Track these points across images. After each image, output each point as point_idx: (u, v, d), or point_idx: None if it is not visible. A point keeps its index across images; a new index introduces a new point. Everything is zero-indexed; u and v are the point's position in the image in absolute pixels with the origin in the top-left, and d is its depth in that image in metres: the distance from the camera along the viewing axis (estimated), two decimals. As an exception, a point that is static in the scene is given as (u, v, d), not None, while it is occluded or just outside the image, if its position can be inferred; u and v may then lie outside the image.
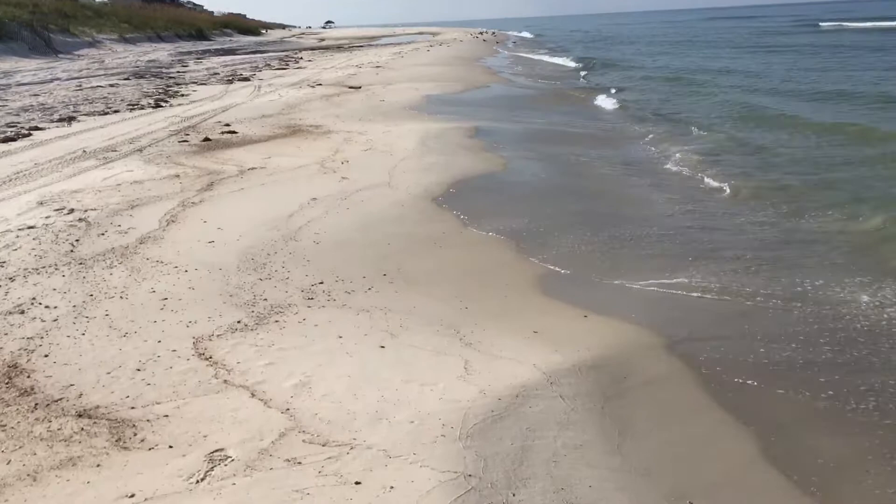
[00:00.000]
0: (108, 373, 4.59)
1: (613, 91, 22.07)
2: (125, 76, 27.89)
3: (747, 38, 52.19)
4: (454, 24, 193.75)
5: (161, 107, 18.90)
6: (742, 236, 7.67)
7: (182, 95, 21.53)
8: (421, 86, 22.43)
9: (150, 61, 36.91)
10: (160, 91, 22.52)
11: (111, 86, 24.10)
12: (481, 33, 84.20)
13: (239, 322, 5.35)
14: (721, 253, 7.10)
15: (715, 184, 9.98)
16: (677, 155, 11.99)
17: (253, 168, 10.71)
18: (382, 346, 4.94)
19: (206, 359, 4.75)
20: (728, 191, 9.59)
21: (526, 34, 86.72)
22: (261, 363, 4.67)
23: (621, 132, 14.93)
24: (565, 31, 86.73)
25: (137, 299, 5.80)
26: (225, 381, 4.43)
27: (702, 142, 13.37)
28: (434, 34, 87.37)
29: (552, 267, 6.73)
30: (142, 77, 27.71)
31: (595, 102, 19.86)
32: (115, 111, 17.92)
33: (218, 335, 5.13)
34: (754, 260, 6.88)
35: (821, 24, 70.93)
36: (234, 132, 14.51)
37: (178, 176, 10.24)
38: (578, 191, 9.79)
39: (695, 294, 6.03)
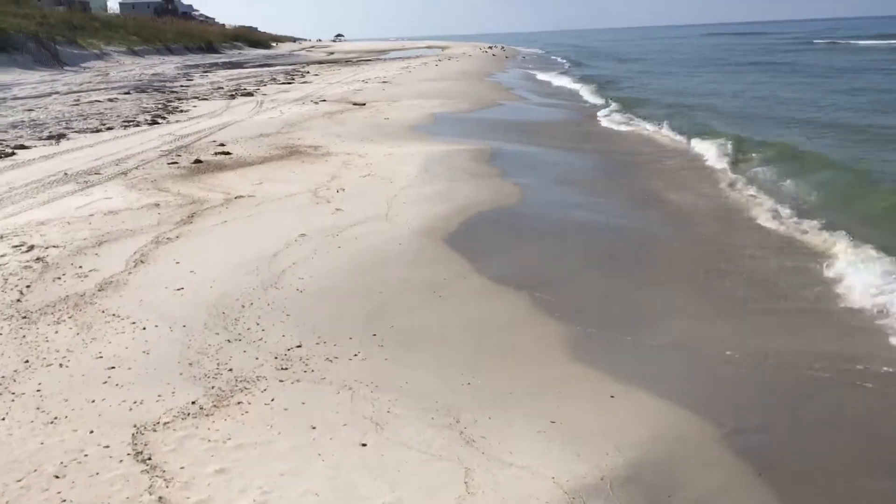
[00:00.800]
0: (19, 480, 3.64)
1: (621, 113, 21.14)
2: (126, 90, 27.11)
3: (746, 56, 51.29)
4: (463, 38, 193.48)
5: (158, 123, 18.04)
6: (776, 286, 6.68)
7: (181, 111, 20.68)
8: (427, 103, 21.53)
9: (154, 74, 36.18)
10: (159, 106, 21.69)
11: (110, 100, 23.29)
12: (490, 48, 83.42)
13: (194, 403, 4.39)
14: (758, 304, 6.11)
15: (742, 210, 8.98)
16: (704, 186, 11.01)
17: (241, 196, 9.77)
18: (364, 444, 3.97)
19: (144, 461, 3.78)
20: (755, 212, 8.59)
21: (536, 49, 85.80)
22: (210, 469, 3.71)
23: (641, 157, 13.96)
24: (574, 47, 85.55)
25: (80, 368, 4.85)
26: (160, 500, 3.46)
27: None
28: (443, 48, 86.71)
29: (572, 326, 5.75)
30: (143, 91, 26.93)
31: (604, 124, 18.89)
32: (109, 128, 17.07)
33: (165, 422, 4.16)
34: (793, 312, 5.89)
35: (815, 41, 70.35)
36: (227, 153, 13.60)
37: (158, 205, 9.31)
38: (601, 228, 8.82)
39: (739, 356, 5.04)
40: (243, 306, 6.00)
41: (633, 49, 78.35)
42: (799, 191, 10.11)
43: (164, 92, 27.02)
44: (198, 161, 12.75)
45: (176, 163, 12.62)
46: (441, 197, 9.59)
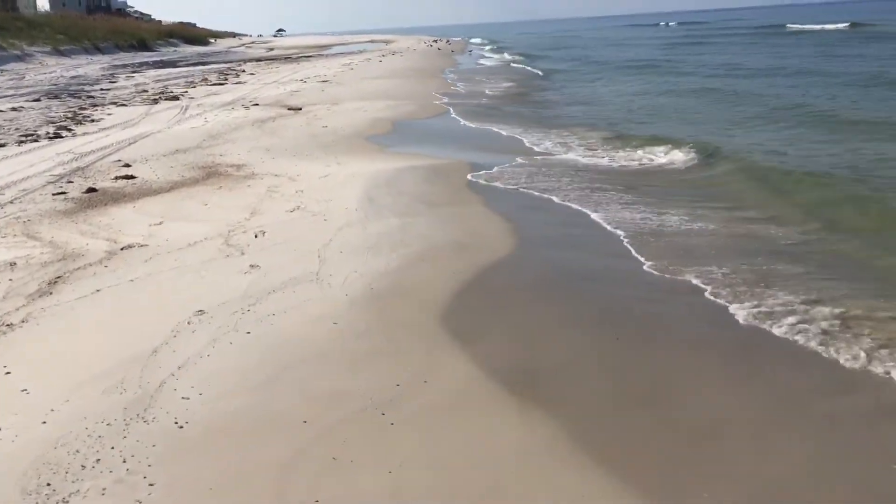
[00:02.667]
0: None
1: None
2: (37, 96, 24.21)
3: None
4: (407, 31, 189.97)
5: (60, 137, 15.46)
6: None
7: (92, 121, 18.05)
8: (371, 106, 19.26)
9: (74, 77, 33.08)
10: (69, 115, 19.00)
11: (14, 109, 20.47)
12: (435, 41, 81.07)
13: None
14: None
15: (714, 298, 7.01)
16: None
17: (130, 246, 7.45)
18: None
19: None
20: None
21: (480, 41, 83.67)
22: None
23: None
24: (524, 40, 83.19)
25: None
26: None
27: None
28: (386, 42, 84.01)
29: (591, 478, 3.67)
30: (56, 97, 24.06)
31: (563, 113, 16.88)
32: (1, 145, 14.45)
33: None
34: None
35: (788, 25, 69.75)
36: (131, 177, 11.20)
37: (13, 264, 6.93)
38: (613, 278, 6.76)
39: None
40: (83, 466, 3.77)
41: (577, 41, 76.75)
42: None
43: (79, 97, 24.19)
44: (91, 189, 10.35)
45: (64, 192, 10.20)
46: (390, 241, 7.40)
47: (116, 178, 11.19)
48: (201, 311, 5.68)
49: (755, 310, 5.62)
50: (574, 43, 68.17)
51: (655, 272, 6.63)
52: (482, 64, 42.15)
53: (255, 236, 7.59)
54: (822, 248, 7.17)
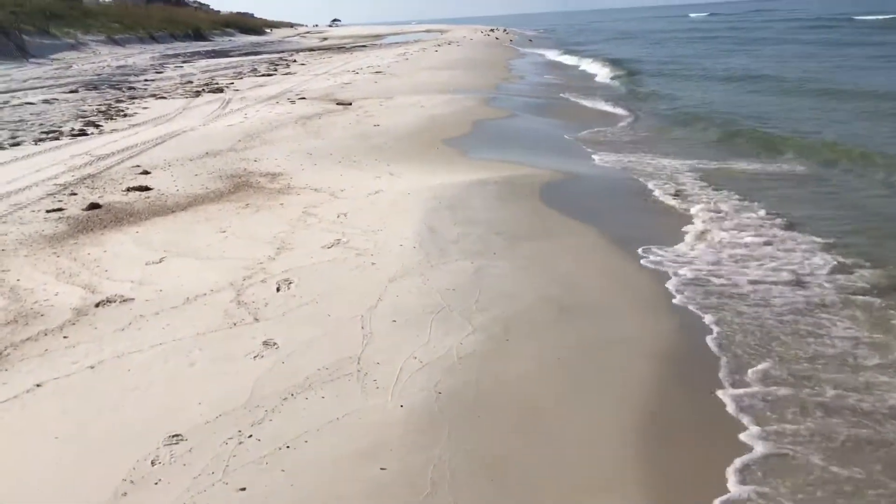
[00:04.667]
0: None
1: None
2: (76, 87, 22.66)
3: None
4: (462, 21, 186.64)
5: (85, 135, 13.70)
6: None
7: (125, 116, 16.30)
8: (428, 101, 17.10)
9: (120, 67, 31.69)
10: (101, 110, 17.29)
11: (45, 101, 18.87)
12: (492, 31, 78.50)
13: None
14: None
15: None
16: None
17: (110, 300, 5.44)
18: None
19: None
20: None
21: (537, 32, 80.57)
22: None
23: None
24: (589, 31, 78.80)
25: None
26: None
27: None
28: (442, 32, 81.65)
29: None
30: (95, 88, 22.49)
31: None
32: (15, 143, 12.74)
33: None
34: None
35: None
36: (145, 188, 9.29)
37: (-56, 328, 4.99)
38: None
39: None
40: None
41: (639, 29, 73.19)
42: None
43: (120, 88, 22.59)
44: (94, 206, 8.45)
45: (61, 209, 8.33)
46: (462, 303, 5.24)
47: (129, 189, 9.29)
48: (176, 437, 3.62)
49: None
50: (633, 34, 64.56)
51: None
52: (542, 55, 39.61)
53: (278, 289, 5.51)
54: None
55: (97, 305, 5.32)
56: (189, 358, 4.44)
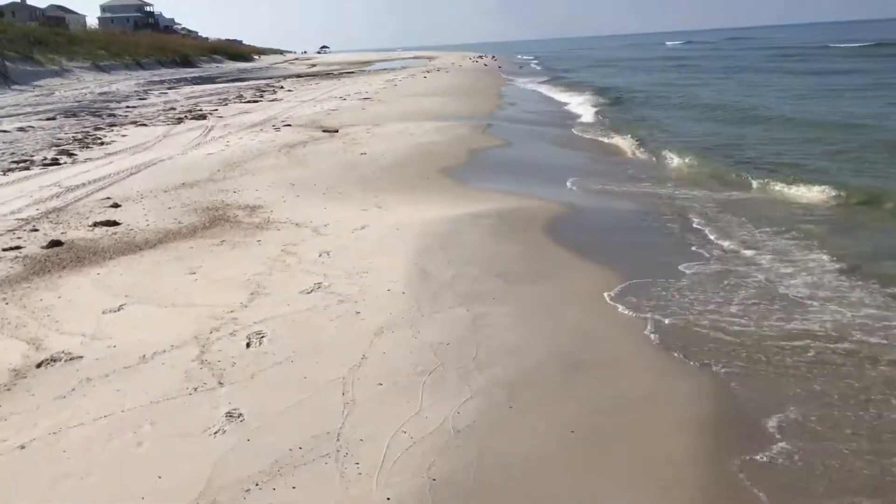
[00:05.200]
0: None
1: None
2: (54, 114, 21.99)
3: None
4: (450, 48, 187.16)
5: (57, 164, 13.03)
6: None
7: (101, 144, 15.62)
8: (417, 128, 16.53)
9: (103, 93, 31.05)
10: (78, 138, 16.62)
11: (21, 129, 18.19)
12: (480, 57, 78.45)
13: None
14: None
15: None
16: None
17: (54, 359, 4.73)
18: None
19: None
20: None
21: (528, 58, 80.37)
22: None
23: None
24: (571, 58, 77.82)
25: None
26: None
27: None
28: (430, 59, 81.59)
29: None
30: (74, 115, 21.84)
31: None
32: (-17, 174, 12.03)
33: None
34: None
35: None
36: (113, 223, 8.62)
37: None
38: None
39: None
40: None
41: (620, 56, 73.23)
42: None
43: (100, 115, 21.93)
44: (55, 243, 7.75)
45: (18, 247, 7.64)
46: (458, 361, 4.58)
47: (95, 224, 8.60)
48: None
49: None
50: (614, 61, 64.39)
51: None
52: (532, 78, 39.27)
53: (248, 344, 4.82)
54: None
55: (39, 365, 4.62)
56: (137, 435, 3.74)
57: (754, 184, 10.58)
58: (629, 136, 15.64)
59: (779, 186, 10.23)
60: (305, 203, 9.37)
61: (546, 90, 31.25)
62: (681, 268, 6.53)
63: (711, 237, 7.69)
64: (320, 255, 6.81)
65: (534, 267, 6.56)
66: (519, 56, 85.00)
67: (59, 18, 79.30)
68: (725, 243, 7.42)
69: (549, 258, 6.83)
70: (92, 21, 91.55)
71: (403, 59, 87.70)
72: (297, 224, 8.21)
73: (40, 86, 37.44)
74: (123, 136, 17.03)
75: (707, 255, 7.00)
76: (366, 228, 7.82)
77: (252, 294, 5.81)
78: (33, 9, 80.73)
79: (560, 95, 28.14)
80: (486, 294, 5.76)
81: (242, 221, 8.53)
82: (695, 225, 8.26)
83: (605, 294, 5.87)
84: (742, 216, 8.64)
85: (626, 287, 5.99)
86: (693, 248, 7.27)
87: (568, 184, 10.77)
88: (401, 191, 10.08)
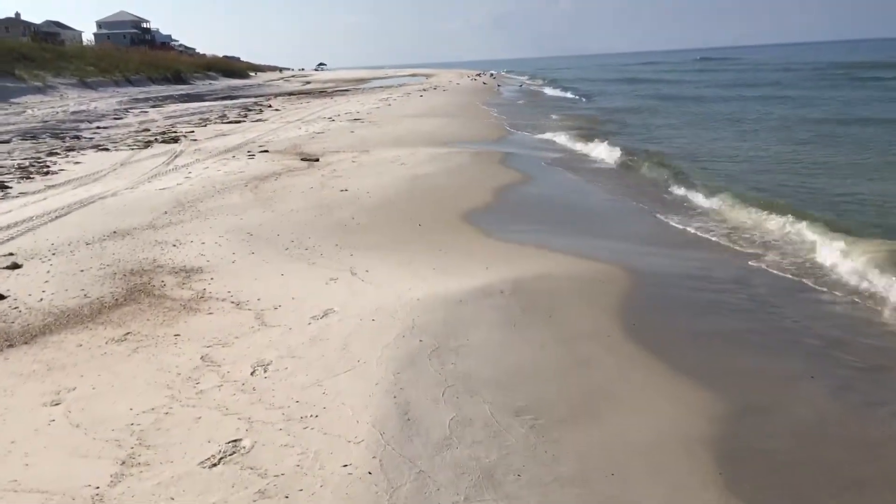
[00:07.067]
0: None
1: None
2: (12, 136, 19.69)
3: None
4: (448, 66, 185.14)
5: (-21, 201, 10.70)
6: None
7: (47, 173, 13.33)
8: (410, 157, 14.26)
9: (77, 112, 28.79)
10: (24, 165, 14.32)
11: (-38, 155, 15.86)
12: (479, 75, 76.38)
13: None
14: None
15: None
16: None
17: None
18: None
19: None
20: None
21: (525, 76, 77.96)
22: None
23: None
24: (582, 79, 70.14)
25: None
26: None
27: None
28: (427, 76, 79.52)
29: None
30: (34, 137, 19.54)
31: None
32: None
33: None
34: None
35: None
36: (-4, 298, 6.30)
37: None
38: None
39: None
40: None
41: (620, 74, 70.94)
42: None
43: (62, 138, 19.63)
44: None
45: None
46: None
47: (-27, 297, 6.29)
48: None
49: None
50: (634, 77, 62.32)
51: None
52: (538, 98, 37.09)
53: None
54: None
55: None
56: None
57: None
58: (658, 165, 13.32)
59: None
60: (259, 265, 7.06)
61: (555, 101, 28.98)
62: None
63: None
64: (254, 372, 4.49)
65: (588, 386, 4.24)
66: (518, 76, 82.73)
67: (53, 34, 77.41)
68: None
69: (614, 366, 4.52)
70: (88, 37, 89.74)
71: (400, 76, 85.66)
72: (238, 304, 5.90)
73: (18, 103, 35.15)
74: (77, 163, 14.74)
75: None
76: (330, 316, 5.50)
77: (123, 464, 3.49)
78: (28, 24, 78.83)
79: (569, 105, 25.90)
80: (506, 465, 3.44)
81: (168, 296, 6.21)
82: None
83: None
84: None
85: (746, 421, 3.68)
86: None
87: (614, 236, 8.47)
88: (384, 245, 7.78)
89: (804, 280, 6.70)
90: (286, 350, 4.81)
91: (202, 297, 6.13)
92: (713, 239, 8.38)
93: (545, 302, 5.80)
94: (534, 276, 6.48)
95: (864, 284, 6.32)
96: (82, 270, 7.08)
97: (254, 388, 4.24)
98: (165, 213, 9.62)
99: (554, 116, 24.87)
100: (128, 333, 5.35)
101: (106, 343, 5.19)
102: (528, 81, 63.52)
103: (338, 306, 5.70)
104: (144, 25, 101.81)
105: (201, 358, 4.77)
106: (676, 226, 9.08)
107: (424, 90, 44.01)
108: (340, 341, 4.92)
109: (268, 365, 4.57)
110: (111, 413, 4.04)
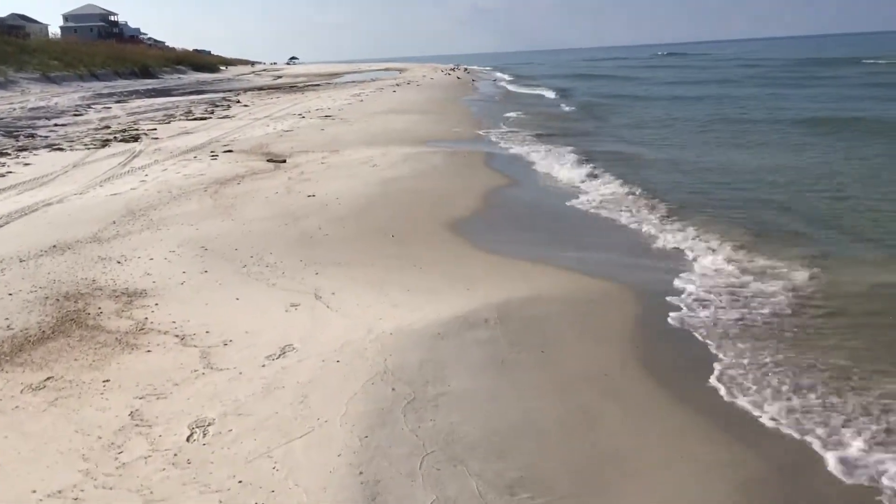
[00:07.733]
0: None
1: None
2: (-40, 135, 18.53)
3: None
4: (421, 60, 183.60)
5: (-87, 208, 9.71)
6: None
7: (-11, 178, 12.31)
8: (382, 157, 13.44)
9: (35, 108, 27.48)
10: (-35, 167, 13.26)
11: None
12: (453, 69, 75.49)
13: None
14: None
15: None
16: None
17: None
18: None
19: None
20: None
21: (500, 74, 76.28)
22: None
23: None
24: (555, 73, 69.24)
25: None
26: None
27: None
28: (400, 70, 78.43)
29: None
30: (-15, 136, 18.39)
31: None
32: None
33: None
34: None
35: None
36: None
37: None
38: None
39: None
40: None
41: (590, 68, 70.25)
42: None
43: (15, 136, 18.50)
44: None
45: None
46: None
47: None
48: None
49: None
50: (604, 73, 61.81)
51: None
52: (511, 93, 36.34)
53: None
54: None
55: None
56: None
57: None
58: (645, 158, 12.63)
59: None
60: (211, 288, 6.24)
61: (536, 99, 28.23)
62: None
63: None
64: (192, 436, 3.69)
65: (595, 445, 3.50)
66: (491, 70, 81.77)
67: (18, 27, 75.14)
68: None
69: (624, 420, 3.78)
70: (55, 30, 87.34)
71: (373, 70, 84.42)
72: (182, 339, 5.08)
73: (-25, 99, 33.71)
74: (27, 164, 13.72)
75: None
76: (289, 355, 4.70)
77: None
78: (-9, 17, 76.43)
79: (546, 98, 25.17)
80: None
81: (103, 327, 5.37)
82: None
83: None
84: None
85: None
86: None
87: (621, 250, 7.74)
88: (355, 261, 6.99)
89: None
90: (233, 404, 4.02)
91: (142, 330, 5.30)
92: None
93: (536, 332, 5.06)
94: (522, 299, 5.74)
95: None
96: (10, 294, 6.21)
97: (188, 462, 3.44)
98: (114, 222, 8.73)
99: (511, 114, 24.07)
100: (48, 379, 4.52)
101: (21, 392, 4.36)
102: (501, 75, 62.78)
103: (298, 341, 4.91)
104: (112, 18, 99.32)
105: (130, 414, 3.95)
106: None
107: (398, 85, 43.09)
108: (298, 392, 4.13)
109: (208, 426, 3.77)
110: (10, 498, 3.22)
